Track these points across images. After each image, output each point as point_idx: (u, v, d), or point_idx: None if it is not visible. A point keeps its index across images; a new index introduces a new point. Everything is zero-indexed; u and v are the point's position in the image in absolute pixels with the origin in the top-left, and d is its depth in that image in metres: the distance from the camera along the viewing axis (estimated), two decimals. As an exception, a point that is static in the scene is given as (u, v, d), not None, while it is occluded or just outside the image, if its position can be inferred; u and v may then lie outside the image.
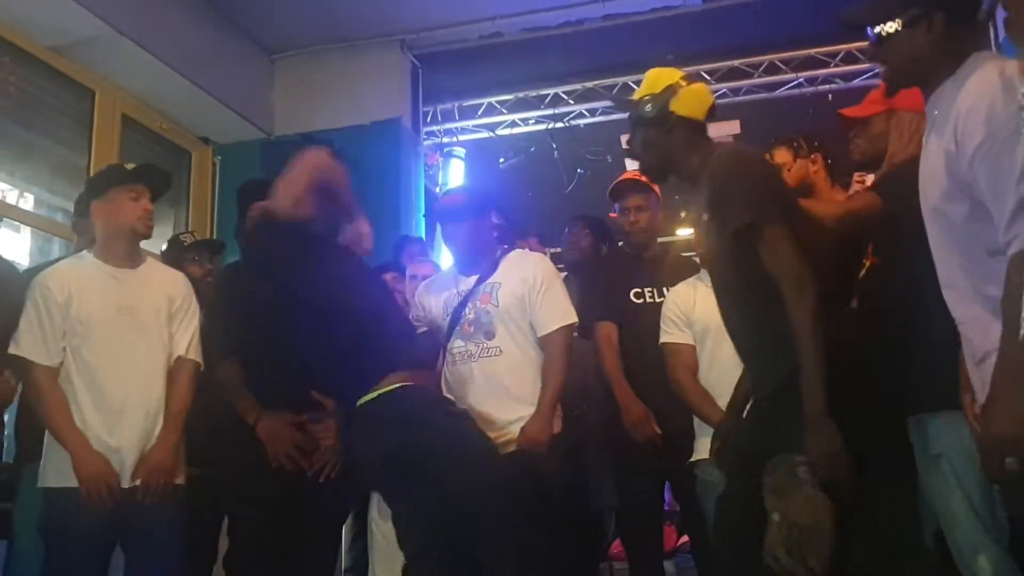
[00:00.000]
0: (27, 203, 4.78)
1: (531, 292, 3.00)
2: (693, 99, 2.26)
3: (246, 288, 2.92)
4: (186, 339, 2.89)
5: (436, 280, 3.30)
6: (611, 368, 3.33)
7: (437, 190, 6.62)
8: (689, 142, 2.25)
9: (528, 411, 2.88)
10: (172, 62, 5.06)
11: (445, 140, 6.78)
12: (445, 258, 6.08)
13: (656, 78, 2.30)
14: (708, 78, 5.87)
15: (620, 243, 3.89)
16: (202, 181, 5.89)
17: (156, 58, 4.90)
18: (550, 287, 3.02)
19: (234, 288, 3.12)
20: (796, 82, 6.04)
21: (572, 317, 3.03)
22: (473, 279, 3.07)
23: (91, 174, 4.61)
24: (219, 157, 6.06)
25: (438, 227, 6.18)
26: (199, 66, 5.32)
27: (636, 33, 5.62)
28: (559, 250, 4.71)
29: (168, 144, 5.68)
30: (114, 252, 2.83)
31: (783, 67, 6.03)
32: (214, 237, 5.33)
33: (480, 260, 3.11)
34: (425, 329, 3.19)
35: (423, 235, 5.80)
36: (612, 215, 3.81)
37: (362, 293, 2.72)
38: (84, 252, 2.92)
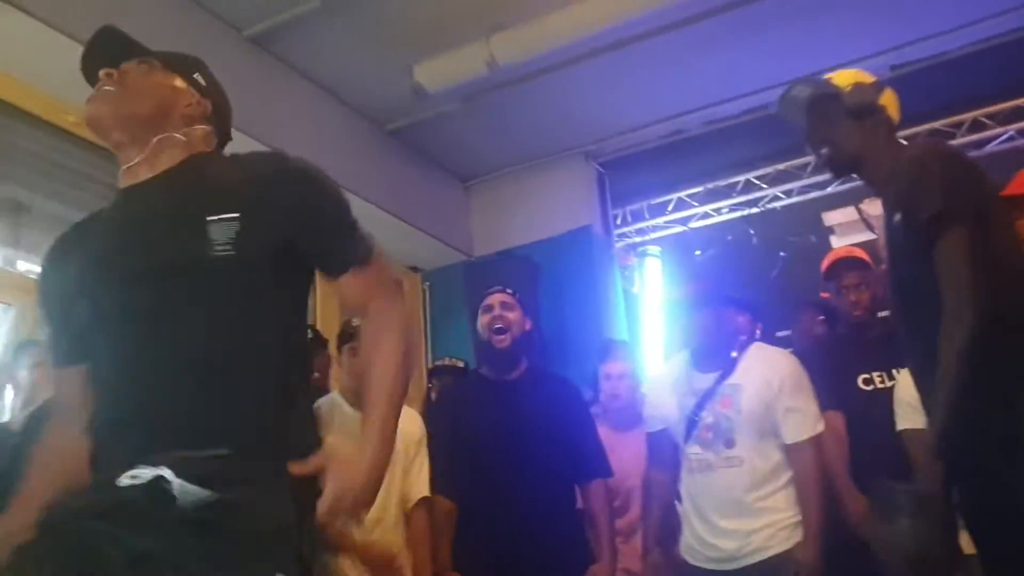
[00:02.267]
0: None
1: (776, 398, 2.82)
2: (894, 101, 2.21)
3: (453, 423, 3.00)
4: (423, 478, 2.89)
5: (669, 374, 3.16)
6: (836, 461, 3.04)
7: (635, 291, 6.63)
8: (887, 141, 2.16)
9: (770, 519, 2.74)
10: (381, 202, 5.41)
11: (638, 240, 6.81)
12: (648, 356, 6.09)
13: (854, 74, 2.25)
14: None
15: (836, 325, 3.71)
16: (413, 307, 6.18)
17: (367, 201, 5.27)
18: (797, 391, 2.85)
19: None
20: (1007, 135, 5.66)
21: (821, 424, 2.85)
22: (711, 377, 2.92)
23: (318, 314, 4.95)
24: (427, 283, 6.36)
25: (643, 326, 6.29)
26: (404, 202, 5.67)
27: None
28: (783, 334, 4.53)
29: (380, 277, 6.01)
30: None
31: (988, 122, 5.68)
32: (429, 359, 5.55)
33: (719, 355, 2.95)
34: (662, 428, 3.10)
35: (626, 337, 5.81)
36: (824, 295, 3.65)
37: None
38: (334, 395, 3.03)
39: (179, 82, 1.64)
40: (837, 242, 5.94)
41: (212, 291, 1.40)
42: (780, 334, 4.63)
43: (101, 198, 4.35)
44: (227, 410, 1.36)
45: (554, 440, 2.94)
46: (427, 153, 6.04)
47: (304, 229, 1.51)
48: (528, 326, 3.17)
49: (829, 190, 6.06)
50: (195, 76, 1.68)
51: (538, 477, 2.84)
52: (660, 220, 6.68)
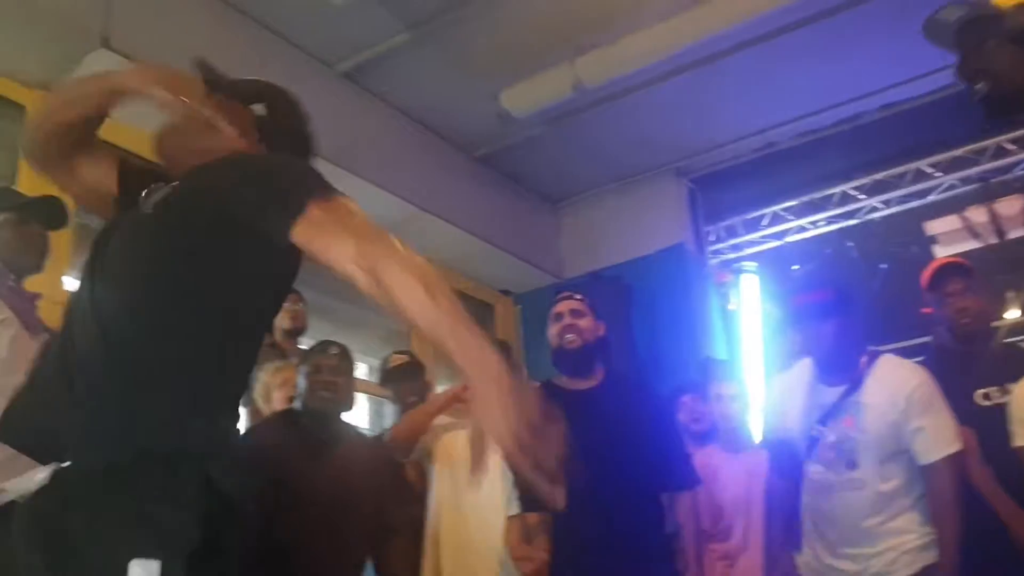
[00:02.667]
0: (361, 371, 5.28)
1: (906, 416, 2.64)
2: None
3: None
4: None
5: (791, 383, 2.97)
6: (982, 478, 2.77)
7: (731, 307, 6.53)
8: None
9: (892, 542, 2.62)
10: (472, 228, 5.49)
11: (732, 256, 6.71)
12: (749, 374, 5.98)
13: None
14: (1011, 147, 5.44)
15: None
16: (506, 330, 6.21)
17: (458, 228, 5.35)
18: (929, 408, 2.64)
19: None
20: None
21: (959, 443, 2.64)
22: (835, 392, 2.76)
23: (411, 338, 5.02)
24: (519, 306, 6.40)
25: (741, 344, 6.18)
26: (494, 227, 5.73)
27: (919, 117, 5.34)
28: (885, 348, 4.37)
29: (473, 301, 6.10)
30: None
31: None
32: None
33: (846, 368, 2.77)
34: (782, 437, 2.96)
35: (725, 356, 5.72)
36: (926, 310, 3.48)
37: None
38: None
39: (243, 141, 1.58)
40: (940, 252, 5.76)
41: None
42: (885, 348, 4.49)
43: None
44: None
45: (636, 451, 2.85)
46: (515, 177, 6.09)
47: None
48: (602, 331, 3.08)
49: (930, 198, 5.87)
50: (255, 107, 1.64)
51: (620, 490, 2.76)
52: (755, 235, 6.57)
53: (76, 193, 1.64)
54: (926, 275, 3.24)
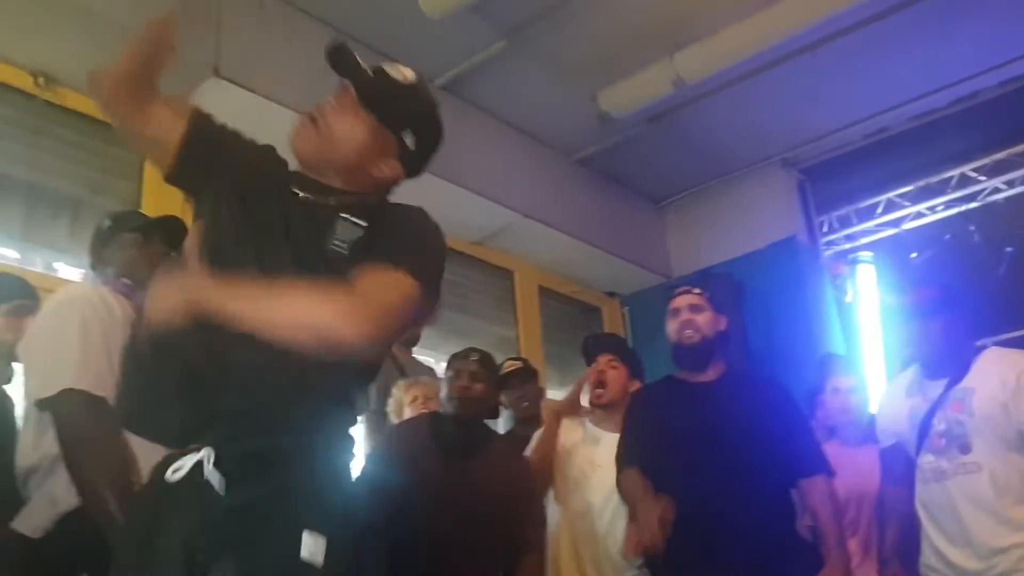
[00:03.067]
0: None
1: (1016, 396, 2.57)
2: None
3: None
4: None
5: (899, 386, 2.98)
6: None
7: (848, 300, 6.33)
8: None
9: (1019, 538, 2.50)
10: (575, 232, 5.50)
11: (847, 247, 6.51)
12: (869, 368, 5.78)
13: None
14: None
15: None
16: (616, 331, 6.19)
17: (561, 232, 5.36)
18: None
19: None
20: None
21: None
22: (941, 384, 2.74)
23: (520, 345, 5.07)
24: (626, 308, 6.36)
25: (860, 337, 5.99)
26: (598, 229, 5.72)
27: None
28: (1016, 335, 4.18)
29: (580, 304, 6.11)
30: None
31: None
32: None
33: (951, 361, 2.76)
34: (894, 441, 2.94)
35: (843, 350, 5.56)
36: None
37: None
38: None
39: (384, 140, 1.63)
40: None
41: None
42: (1010, 335, 4.29)
43: None
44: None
45: (763, 441, 2.78)
46: (616, 178, 6.06)
47: None
48: (722, 325, 3.04)
49: (1058, 176, 5.57)
50: (403, 135, 1.66)
51: (747, 481, 2.70)
52: (870, 224, 6.35)
53: (143, 142, 1.70)
54: None
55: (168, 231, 2.52)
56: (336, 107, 1.61)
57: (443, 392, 3.10)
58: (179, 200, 4.07)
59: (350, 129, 1.60)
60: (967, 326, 2.84)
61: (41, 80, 3.73)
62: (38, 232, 3.75)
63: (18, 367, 2.90)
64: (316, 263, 1.47)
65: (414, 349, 4.21)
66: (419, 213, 1.62)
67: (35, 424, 2.19)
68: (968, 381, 2.69)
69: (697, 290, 3.11)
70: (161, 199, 4.02)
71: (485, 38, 4.56)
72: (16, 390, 3.01)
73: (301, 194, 1.58)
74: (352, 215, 1.53)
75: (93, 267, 2.50)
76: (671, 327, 3.04)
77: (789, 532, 2.83)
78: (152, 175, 4.04)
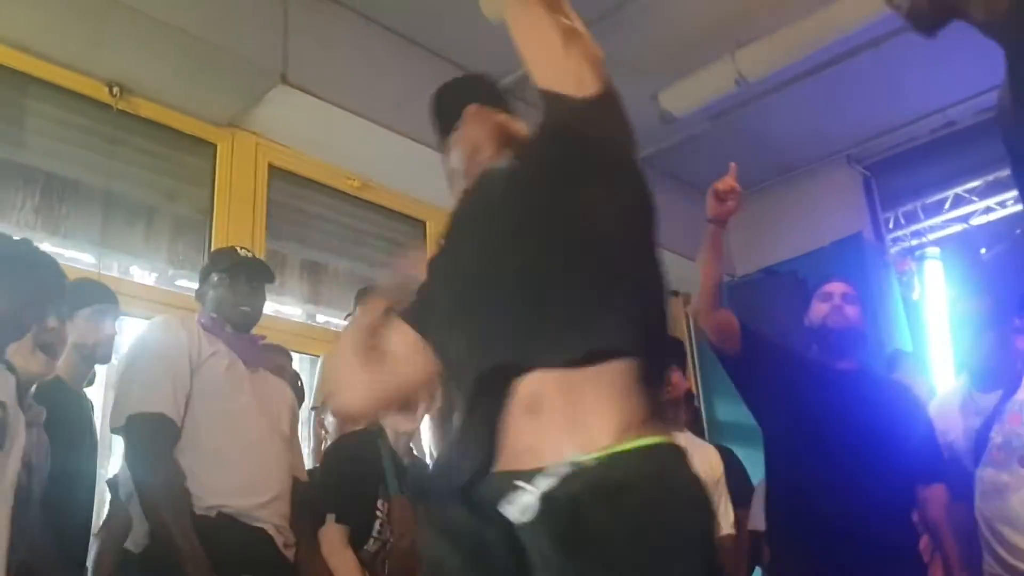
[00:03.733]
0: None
1: None
2: None
3: None
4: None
5: (948, 401, 2.99)
6: None
7: (915, 298, 6.22)
8: None
9: None
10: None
11: (914, 243, 6.39)
12: (936, 366, 5.67)
13: None
14: None
15: None
16: (678, 331, 6.17)
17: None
18: None
19: None
20: None
21: None
22: (994, 396, 2.73)
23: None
24: (689, 306, 6.32)
25: (928, 335, 5.88)
26: (661, 228, 5.68)
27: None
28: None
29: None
30: None
31: None
32: (697, 382, 5.54)
33: (1003, 373, 2.73)
34: (950, 454, 2.90)
35: (910, 348, 5.46)
36: None
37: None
38: None
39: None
40: None
41: None
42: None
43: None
44: None
45: (895, 439, 2.73)
46: (678, 177, 6.03)
47: None
48: (862, 324, 3.00)
49: None
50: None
51: (878, 474, 2.64)
52: (937, 220, 6.21)
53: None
54: None
55: (254, 271, 2.80)
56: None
57: None
58: (248, 208, 4.21)
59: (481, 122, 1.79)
60: (1016, 338, 2.82)
61: (116, 90, 3.84)
62: (114, 238, 3.87)
63: (100, 370, 3.05)
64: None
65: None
66: None
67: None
68: (1022, 393, 2.65)
69: (850, 283, 3.10)
70: (232, 206, 4.14)
71: (546, 40, 4.58)
72: (98, 392, 3.15)
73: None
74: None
75: (197, 298, 2.82)
76: (820, 309, 3.00)
77: (908, 537, 2.77)
78: (223, 184, 4.16)
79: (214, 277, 2.74)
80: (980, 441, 2.72)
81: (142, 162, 4.03)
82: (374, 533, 2.71)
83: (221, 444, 2.43)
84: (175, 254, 4.10)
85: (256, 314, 2.78)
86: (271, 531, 2.44)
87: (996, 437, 2.67)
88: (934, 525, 2.79)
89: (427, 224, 5.03)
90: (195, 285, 3.98)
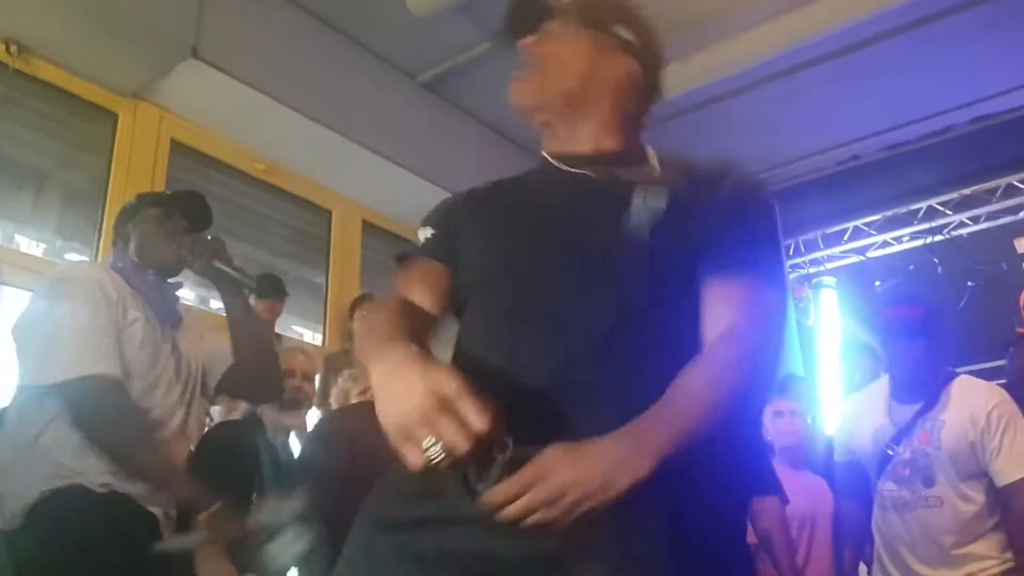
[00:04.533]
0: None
1: (984, 434, 2.55)
2: None
3: None
4: None
5: (865, 402, 2.94)
6: None
7: (810, 324, 6.40)
8: None
9: (971, 568, 2.52)
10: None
11: (812, 271, 6.58)
12: (825, 392, 5.85)
13: None
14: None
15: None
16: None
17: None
18: (1008, 426, 2.56)
19: None
20: None
21: None
22: (911, 409, 2.69)
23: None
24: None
25: (819, 360, 6.05)
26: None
27: (1011, 131, 5.18)
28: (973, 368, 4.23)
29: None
30: None
31: None
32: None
33: (924, 386, 2.70)
34: (852, 459, 2.90)
35: (801, 372, 5.60)
36: (1021, 330, 3.38)
37: None
38: None
39: (600, 41, 1.40)
40: (1035, 272, 5.56)
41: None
42: (968, 368, 4.34)
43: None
44: None
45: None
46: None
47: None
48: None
49: (1022, 215, 5.67)
50: (616, 30, 1.43)
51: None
52: (836, 250, 6.42)
53: None
54: None
55: (190, 206, 2.47)
56: (538, 42, 1.40)
57: None
58: (146, 182, 4.04)
59: (564, 48, 1.39)
60: (945, 350, 2.80)
61: (13, 49, 3.65)
62: (0, 203, 3.67)
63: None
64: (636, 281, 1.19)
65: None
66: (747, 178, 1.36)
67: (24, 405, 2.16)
68: (938, 411, 2.65)
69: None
70: (130, 179, 3.98)
71: (470, 38, 4.55)
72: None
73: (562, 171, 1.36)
74: (641, 180, 1.28)
75: (114, 243, 2.45)
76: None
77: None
78: (122, 155, 3.99)
79: (146, 213, 2.38)
80: (886, 453, 2.71)
81: (36, 124, 3.84)
82: None
83: None
84: (65, 224, 3.91)
85: (187, 259, 2.37)
86: (161, 518, 2.25)
87: (904, 452, 2.67)
88: (768, 536, 2.84)
89: (332, 213, 4.93)
90: (85, 258, 3.87)
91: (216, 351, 2.42)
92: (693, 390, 1.10)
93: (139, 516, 2.13)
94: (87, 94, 3.94)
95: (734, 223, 1.23)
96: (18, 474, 2.08)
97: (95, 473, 2.06)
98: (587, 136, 1.38)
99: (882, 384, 2.90)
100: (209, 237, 2.43)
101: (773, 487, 2.94)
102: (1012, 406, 2.62)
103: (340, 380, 3.52)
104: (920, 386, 2.71)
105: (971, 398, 2.64)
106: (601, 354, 1.15)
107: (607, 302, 1.18)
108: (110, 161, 3.99)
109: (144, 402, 2.19)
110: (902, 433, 2.68)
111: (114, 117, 4.04)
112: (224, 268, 2.34)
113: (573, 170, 1.36)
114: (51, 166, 3.91)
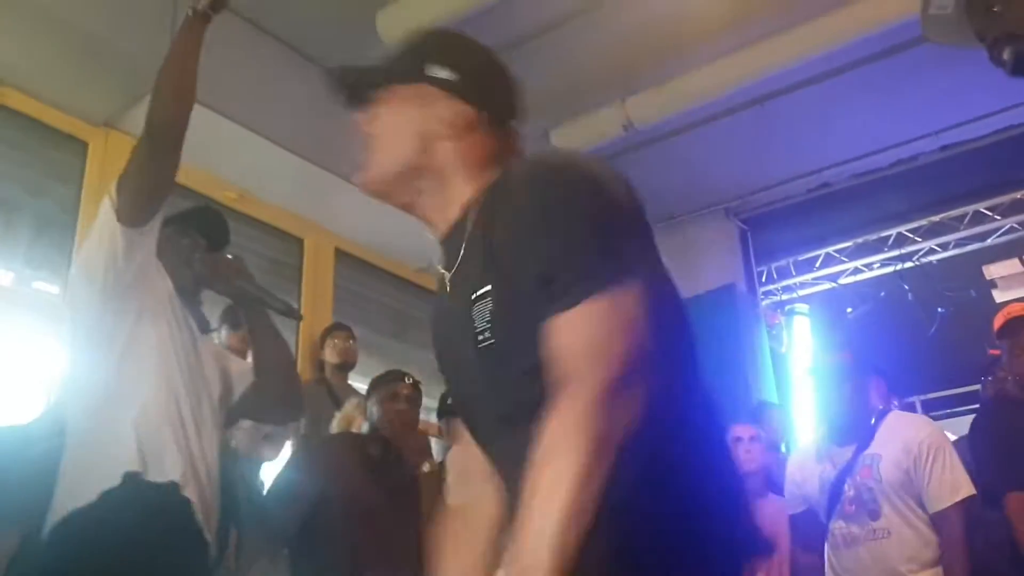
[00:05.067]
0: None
1: (916, 463, 2.67)
2: None
3: None
4: None
5: (806, 452, 3.07)
6: None
7: (783, 350, 6.44)
8: None
9: None
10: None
11: (785, 298, 6.63)
12: (798, 417, 5.87)
13: None
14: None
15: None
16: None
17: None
18: (938, 455, 2.67)
19: None
20: None
21: (969, 489, 2.65)
22: (849, 450, 2.80)
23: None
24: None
25: (792, 387, 6.07)
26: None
27: (979, 159, 5.26)
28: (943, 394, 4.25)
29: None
30: None
31: None
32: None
33: (857, 427, 2.82)
34: (803, 508, 2.98)
35: (775, 399, 5.63)
36: (993, 352, 3.42)
37: None
38: None
39: (418, 93, 1.25)
40: (1000, 296, 5.64)
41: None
42: (938, 394, 4.39)
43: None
44: None
45: None
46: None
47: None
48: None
49: (989, 242, 5.75)
50: (430, 72, 1.26)
51: None
52: (808, 276, 6.49)
53: None
54: (999, 320, 3.24)
55: (207, 223, 2.35)
56: (367, 119, 1.29)
57: (374, 413, 3.08)
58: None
59: (389, 118, 1.27)
60: (878, 391, 2.91)
61: (-18, 77, 3.63)
62: (-33, 231, 3.64)
63: None
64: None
65: (349, 375, 4.17)
66: (533, 174, 1.14)
67: None
68: (874, 447, 2.75)
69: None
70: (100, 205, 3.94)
71: (439, 69, 4.57)
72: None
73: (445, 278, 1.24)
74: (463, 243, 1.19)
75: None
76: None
77: None
78: (92, 184, 3.96)
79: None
80: (834, 494, 2.79)
81: (5, 154, 3.81)
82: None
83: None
84: (35, 253, 3.87)
85: (207, 280, 2.26)
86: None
87: (849, 490, 2.74)
88: None
89: (304, 242, 4.91)
90: (55, 288, 3.83)
91: (244, 369, 2.31)
92: (540, 498, 0.98)
93: (192, 529, 1.99)
94: (57, 123, 3.91)
95: (527, 258, 1.08)
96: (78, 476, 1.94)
97: (155, 473, 1.94)
98: (448, 200, 1.24)
99: (819, 435, 3.03)
100: (229, 256, 2.34)
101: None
102: (942, 437, 2.76)
103: (347, 406, 3.49)
104: (853, 427, 2.82)
105: (904, 430, 2.76)
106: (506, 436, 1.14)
107: (490, 401, 1.17)
108: (80, 190, 3.96)
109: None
110: (844, 472, 2.77)
111: (84, 146, 4.01)
112: (247, 287, 2.26)
113: (444, 282, 1.25)
114: (21, 195, 3.87)
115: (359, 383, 4.01)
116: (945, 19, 1.68)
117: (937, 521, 2.63)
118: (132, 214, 1.99)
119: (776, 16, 4.28)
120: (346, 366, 4.08)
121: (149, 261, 2.07)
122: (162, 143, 2.04)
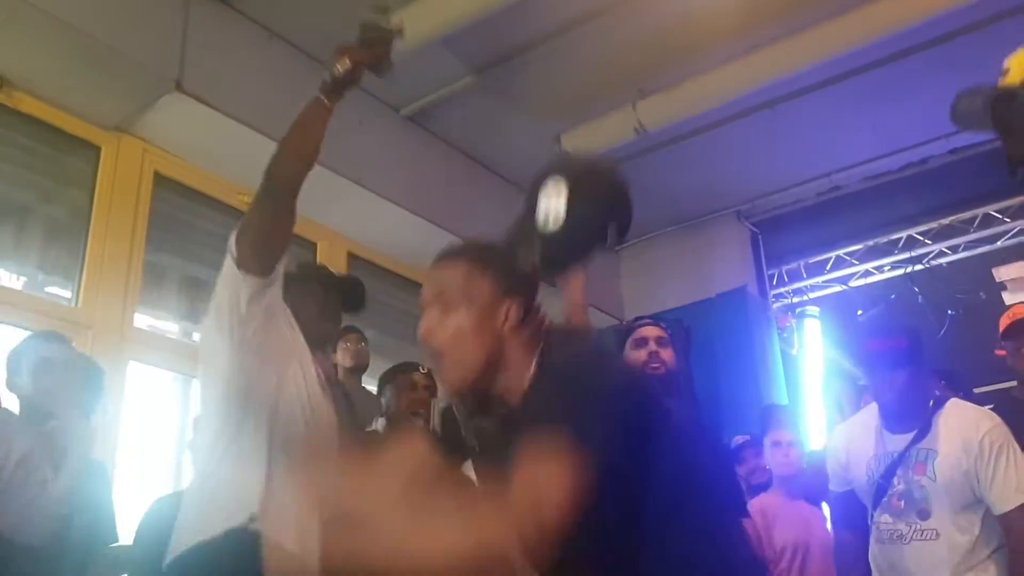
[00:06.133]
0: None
1: (978, 463, 2.49)
2: None
3: None
4: None
5: (856, 431, 2.85)
6: None
7: (794, 353, 6.43)
8: None
9: None
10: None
11: (795, 300, 6.61)
12: (810, 420, 5.86)
13: None
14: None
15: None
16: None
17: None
18: (1001, 452, 2.49)
19: None
20: None
21: None
22: (903, 439, 2.63)
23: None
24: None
25: (803, 389, 6.06)
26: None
27: (989, 161, 5.24)
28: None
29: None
30: None
31: None
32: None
33: (913, 415, 2.64)
34: (848, 489, 2.82)
35: (786, 401, 5.62)
36: (1000, 352, 3.39)
37: None
38: None
39: (478, 308, 1.45)
40: (1010, 298, 5.61)
41: None
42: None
43: None
44: None
45: None
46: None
47: None
48: (675, 366, 2.96)
49: (999, 244, 5.74)
50: (484, 287, 1.46)
51: None
52: (818, 279, 6.47)
53: None
54: (1004, 321, 3.19)
55: (350, 293, 2.57)
56: (427, 334, 1.46)
57: (389, 403, 3.10)
58: (129, 216, 4.02)
59: (452, 336, 1.44)
60: (930, 378, 2.77)
61: (-4, 83, 3.65)
62: (-20, 238, 3.65)
63: None
64: None
65: (362, 378, 4.17)
66: (574, 358, 1.41)
67: None
68: (931, 441, 2.60)
69: (663, 324, 3.06)
70: (113, 213, 3.96)
71: (453, 72, 4.58)
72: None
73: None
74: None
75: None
76: (635, 355, 2.92)
77: None
78: (104, 189, 3.97)
79: (305, 284, 2.40)
80: (882, 485, 2.66)
81: (17, 159, 3.81)
82: None
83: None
84: (47, 258, 3.88)
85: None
86: None
87: (898, 484, 2.63)
88: None
89: (318, 245, 4.91)
90: (67, 292, 3.84)
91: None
92: (434, 538, 1.13)
93: None
94: (70, 127, 3.92)
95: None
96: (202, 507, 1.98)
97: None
98: (510, 383, 1.44)
99: (871, 412, 2.83)
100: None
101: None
102: (1004, 431, 2.56)
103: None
104: (909, 416, 2.66)
105: (963, 425, 2.59)
106: None
107: None
108: (92, 195, 3.97)
109: None
110: (895, 464, 2.63)
111: (97, 150, 4.02)
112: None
113: None
114: (33, 200, 3.89)
115: (373, 387, 4.01)
116: (972, 115, 1.83)
117: (1004, 524, 2.48)
118: (253, 263, 2.05)
119: (786, 20, 4.28)
120: (359, 369, 4.08)
121: (276, 311, 2.14)
122: (281, 195, 2.13)
